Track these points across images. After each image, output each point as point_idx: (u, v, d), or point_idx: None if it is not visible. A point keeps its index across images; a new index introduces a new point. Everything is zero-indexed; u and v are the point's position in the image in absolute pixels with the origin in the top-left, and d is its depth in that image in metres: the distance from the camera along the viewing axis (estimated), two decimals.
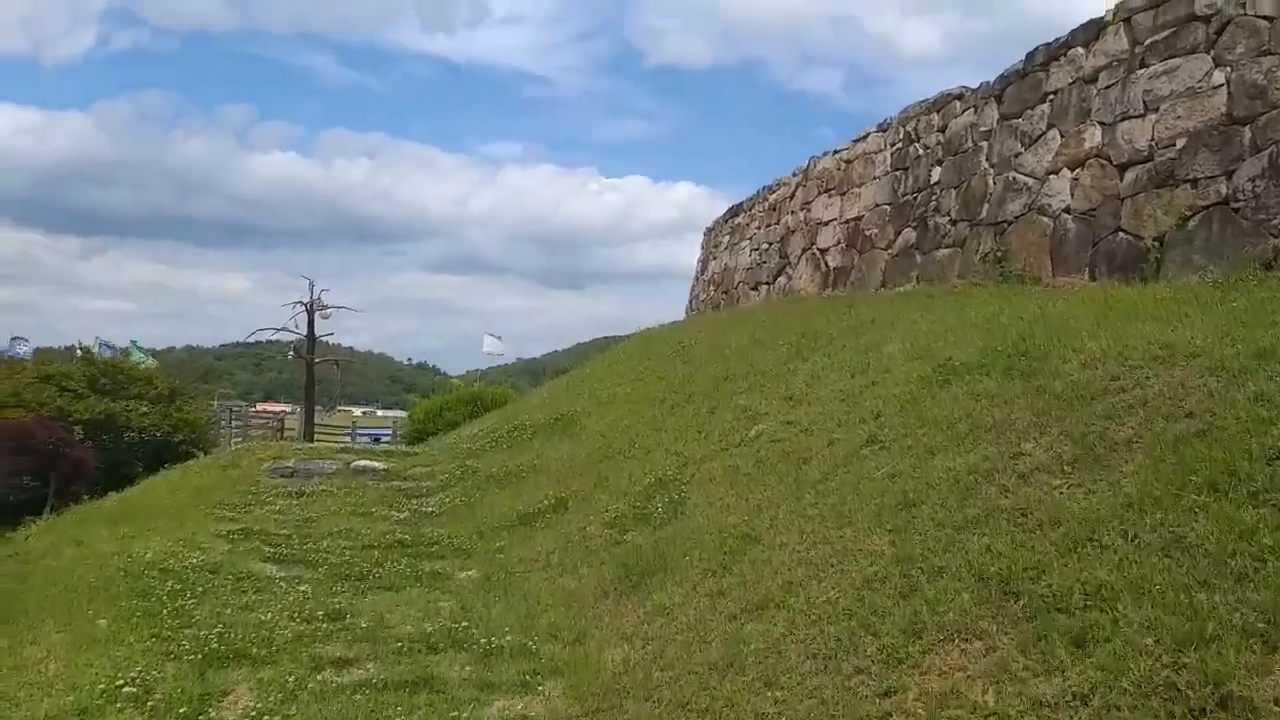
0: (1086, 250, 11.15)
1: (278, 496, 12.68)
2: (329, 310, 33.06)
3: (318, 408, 52.14)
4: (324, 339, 35.89)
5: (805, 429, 8.10)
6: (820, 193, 19.17)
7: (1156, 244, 10.02)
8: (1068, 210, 11.61)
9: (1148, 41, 10.79)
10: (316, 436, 36.17)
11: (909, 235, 15.37)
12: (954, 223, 14.14)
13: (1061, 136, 12.02)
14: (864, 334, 10.23)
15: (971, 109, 14.32)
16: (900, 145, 16.23)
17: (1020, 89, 13.11)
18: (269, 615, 6.59)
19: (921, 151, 15.54)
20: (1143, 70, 10.81)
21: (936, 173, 14.95)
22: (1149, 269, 10.16)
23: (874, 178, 16.98)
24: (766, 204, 22.50)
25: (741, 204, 24.94)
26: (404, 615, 6.86)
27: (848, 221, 17.68)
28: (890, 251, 15.89)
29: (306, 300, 33.78)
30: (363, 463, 14.63)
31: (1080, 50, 11.99)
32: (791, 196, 20.81)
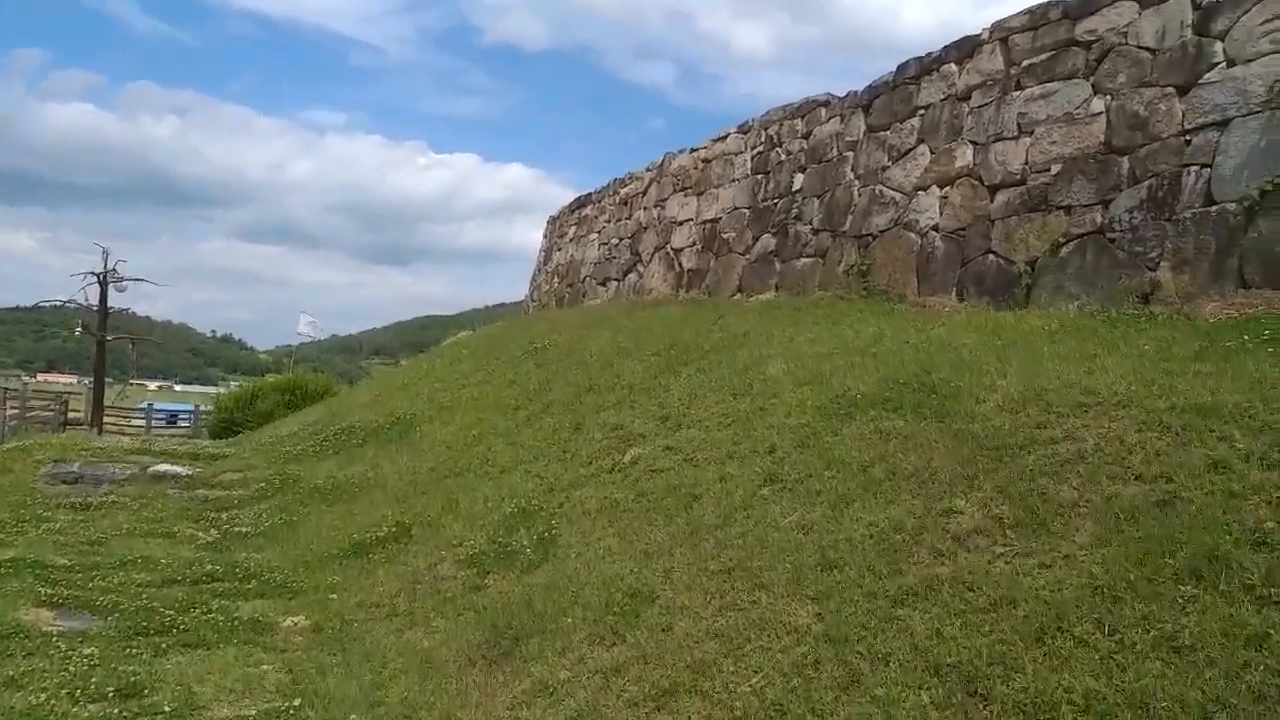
0: (954, 270, 11.02)
1: (59, 510, 10.81)
2: (125, 283, 29.86)
3: (109, 380, 47.47)
4: (117, 310, 32.44)
5: (689, 457, 7.36)
6: (676, 191, 18.61)
7: (1029, 269, 9.95)
8: (936, 228, 11.46)
9: (1025, 63, 10.72)
10: (106, 418, 32.69)
11: (768, 242, 15.00)
12: (816, 232, 13.85)
13: (932, 153, 11.87)
14: (739, 349, 9.62)
15: (838, 118, 14.06)
16: (762, 149, 15.84)
17: (890, 101, 12.91)
18: (42, 696, 5.17)
19: (784, 157, 15.19)
20: (1019, 92, 10.73)
21: (799, 180, 14.63)
22: (1019, 294, 10.08)
23: (733, 180, 16.54)
24: (617, 198, 21.77)
25: (590, 195, 24.11)
26: (218, 687, 5.60)
27: (705, 223, 17.18)
28: (748, 257, 15.49)
29: (100, 270, 30.40)
30: (162, 466, 12.82)
31: (953, 67, 11.86)
32: (644, 193, 20.17)
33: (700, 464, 7.12)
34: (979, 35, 11.55)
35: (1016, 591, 4.24)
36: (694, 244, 17.45)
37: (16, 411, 31.72)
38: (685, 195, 18.16)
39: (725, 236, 16.29)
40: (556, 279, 25.44)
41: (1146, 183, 8.80)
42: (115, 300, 31.97)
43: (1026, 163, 10.39)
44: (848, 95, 14.02)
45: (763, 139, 15.89)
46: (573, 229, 25.01)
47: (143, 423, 36.27)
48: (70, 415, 32.88)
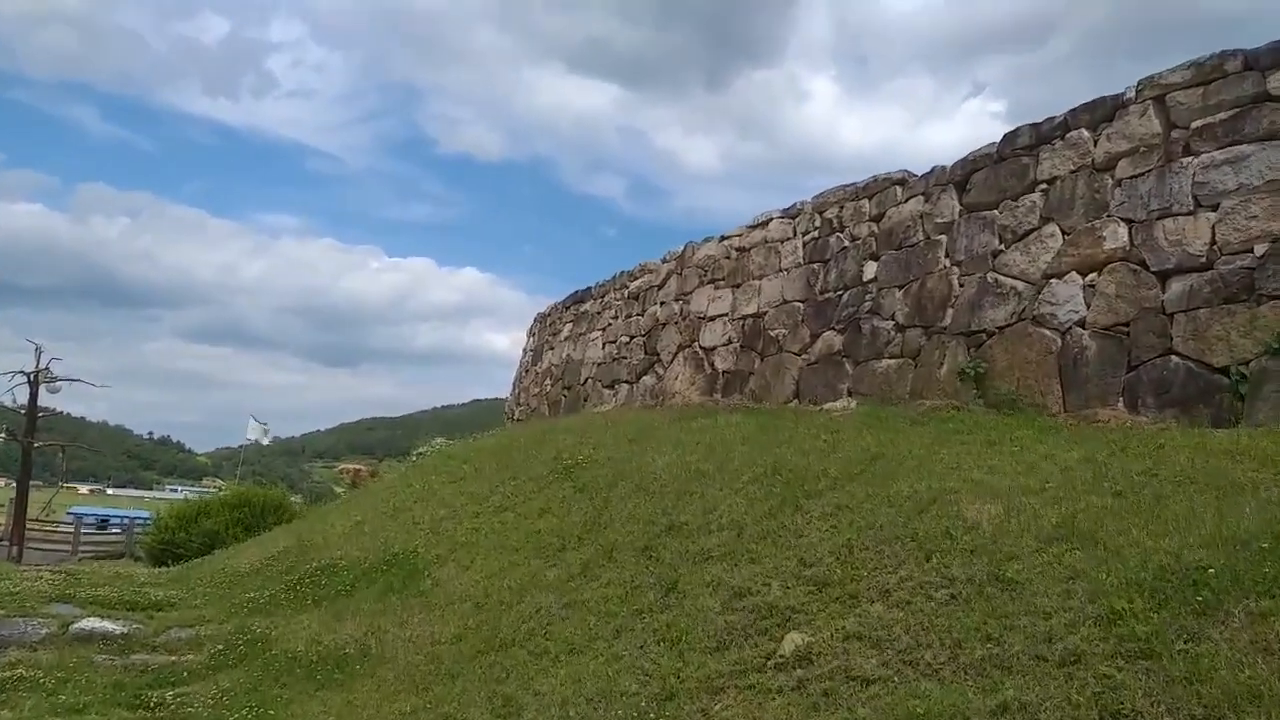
0: (1116, 375, 8.83)
1: None
2: (58, 383, 26.67)
3: (38, 484, 43.29)
4: (46, 412, 29.08)
5: (909, 658, 4.85)
6: (703, 283, 16.44)
7: (1240, 375, 7.79)
8: (1082, 324, 9.32)
9: (1195, 125, 8.79)
10: (29, 535, 28.95)
11: (832, 340, 12.78)
12: (901, 329, 11.66)
13: (1065, 233, 9.83)
14: (886, 479, 7.20)
15: (920, 196, 12.06)
16: (817, 235, 13.78)
17: (995, 176, 10.93)
18: None
19: (848, 242, 13.11)
20: (1190, 159, 8.77)
21: (872, 268, 12.52)
22: (1224, 406, 7.90)
23: (780, 270, 14.41)
24: (626, 292, 19.56)
25: (589, 290, 21.91)
26: None
27: (743, 318, 14.96)
28: (806, 358, 13.23)
29: (30, 370, 27.17)
30: (89, 623, 9.85)
31: (1085, 133, 9.94)
32: (661, 285, 17.99)
33: (939, 676, 4.60)
34: (1122, 95, 9.66)
35: None
36: (729, 342, 15.18)
37: None
38: (716, 288, 15.99)
39: (773, 333, 14.05)
40: (549, 382, 22.96)
41: None
42: (48, 400, 28.69)
43: (1213, 243, 8.35)
44: (932, 171, 12.06)
45: (817, 223, 13.84)
46: (568, 327, 22.69)
47: (70, 531, 32.49)
48: None
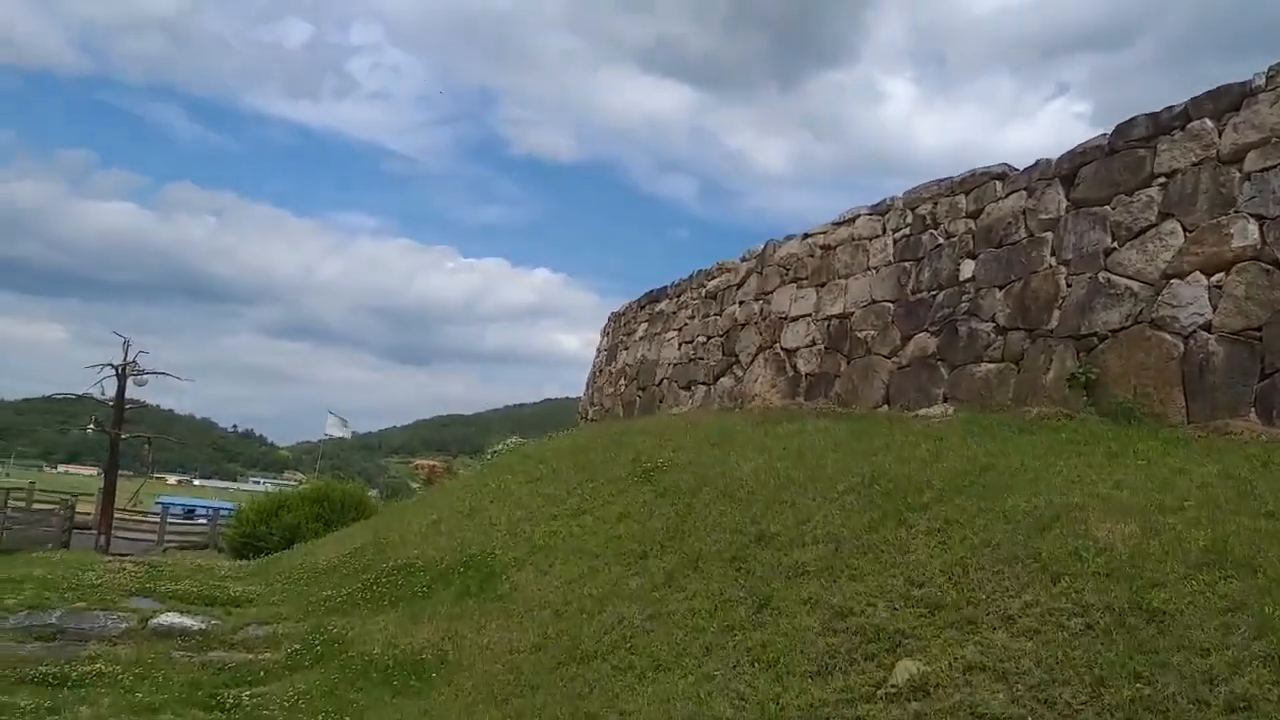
0: (1248, 383, 8.12)
1: (20, 687, 7.87)
2: (145, 376, 27.31)
3: (127, 474, 44.67)
4: (133, 404, 29.86)
5: (1040, 695, 4.37)
6: (785, 282, 15.94)
7: None
8: (1208, 327, 8.62)
9: None
10: (117, 524, 29.78)
11: (926, 342, 12.19)
12: (1003, 331, 11.03)
13: (1187, 231, 9.12)
14: (998, 492, 6.68)
15: (1022, 191, 11.40)
16: (909, 232, 13.18)
17: (1107, 170, 10.24)
18: None
19: (943, 240, 12.50)
20: None
21: (969, 267, 11.89)
22: None
23: (868, 268, 13.84)
24: (703, 291, 19.14)
25: (665, 289, 21.54)
26: None
27: (828, 319, 14.43)
28: (897, 361, 12.66)
29: (119, 363, 27.89)
30: (168, 618, 9.85)
31: (1209, 123, 9.22)
32: (740, 284, 17.52)
33: (1081, 719, 4.11)
34: (1250, 83, 8.93)
35: None
36: (813, 343, 14.66)
37: (21, 514, 28.83)
38: (799, 287, 15.48)
39: (860, 335, 13.50)
40: (624, 381, 22.67)
41: None
42: (135, 393, 29.46)
43: None
44: (1036, 164, 11.40)
45: (908, 220, 13.25)
46: (643, 326, 22.36)
47: (156, 522, 33.40)
48: (78, 519, 30.04)
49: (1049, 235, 10.81)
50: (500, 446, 22.70)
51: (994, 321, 11.19)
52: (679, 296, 20.59)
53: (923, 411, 11.22)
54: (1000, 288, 11.27)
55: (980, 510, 6.44)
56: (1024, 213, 11.26)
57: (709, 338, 18.29)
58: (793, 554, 7.04)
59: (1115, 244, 9.89)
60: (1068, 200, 10.73)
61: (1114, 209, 10.02)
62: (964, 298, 11.77)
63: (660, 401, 19.77)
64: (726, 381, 17.11)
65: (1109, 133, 10.44)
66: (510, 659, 7.54)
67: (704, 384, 17.97)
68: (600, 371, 25.53)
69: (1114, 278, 9.74)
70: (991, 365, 11.03)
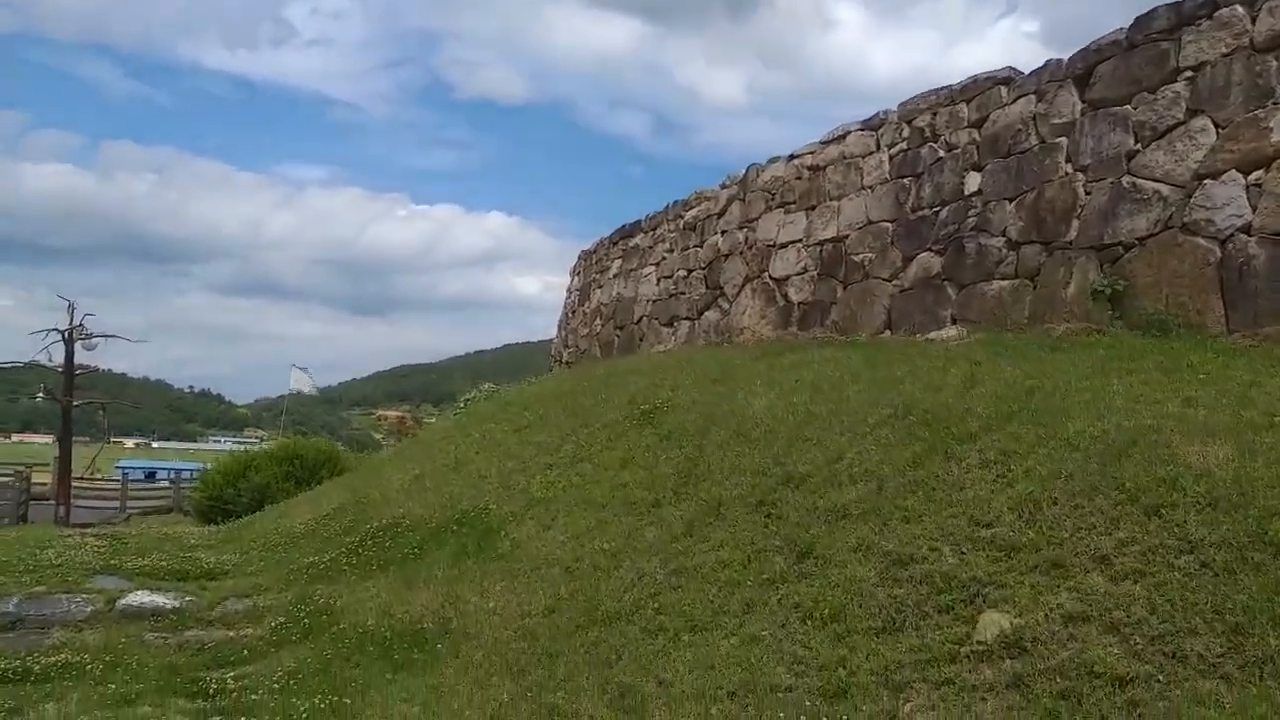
0: None
1: None
2: (94, 340, 26.02)
3: (84, 440, 43.23)
4: (84, 369, 28.53)
5: (1155, 647, 3.80)
6: (770, 208, 15.17)
7: None
8: (1247, 230, 8.03)
9: None
10: (76, 492, 28.65)
11: (929, 262, 11.54)
12: (1015, 245, 10.40)
13: (1220, 127, 8.48)
14: (1054, 417, 6.07)
15: (1030, 95, 10.68)
16: (905, 146, 12.43)
17: (1126, 66, 9.53)
18: None
19: (943, 153, 11.78)
20: None
21: (974, 180, 11.21)
22: None
23: (862, 188, 13.11)
24: (680, 222, 18.32)
25: (639, 223, 20.67)
26: None
27: (820, 244, 13.72)
28: (899, 283, 12.01)
29: (65, 328, 26.51)
30: (138, 598, 9.06)
31: (1239, 10, 8.52)
32: (721, 213, 16.72)
33: (1223, 674, 3.53)
34: None
35: None
36: (804, 270, 13.97)
37: None
38: (786, 212, 14.72)
39: (856, 258, 12.82)
40: (599, 321, 21.89)
41: None
42: (85, 358, 28.12)
43: None
44: (1045, 65, 10.67)
45: (904, 134, 12.49)
46: (617, 263, 21.52)
47: (117, 489, 32.33)
48: (35, 490, 28.86)
49: (1063, 141, 10.12)
50: (473, 394, 21.91)
51: (1005, 236, 10.55)
52: (654, 230, 19.75)
53: (933, 335, 10.62)
54: (1010, 200, 10.61)
55: (1040, 438, 5.82)
56: (1034, 118, 10.55)
57: (690, 271, 17.53)
58: (829, 496, 6.40)
59: (1139, 146, 9.23)
60: (1083, 102, 10.03)
61: (1136, 108, 9.34)
62: (970, 213, 11.10)
63: (641, 340, 19.05)
64: (712, 315, 16.41)
65: (1125, 27, 9.71)
66: (522, 624, 6.88)
67: (687, 319, 17.26)
68: (573, 313, 24.70)
69: (1139, 182, 9.10)
70: (1004, 282, 10.41)
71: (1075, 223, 9.71)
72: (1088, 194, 9.67)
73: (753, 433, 8.11)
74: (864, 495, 6.15)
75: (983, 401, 6.71)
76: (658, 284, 18.89)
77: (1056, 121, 10.23)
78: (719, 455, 8.09)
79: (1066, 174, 9.96)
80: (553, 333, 27.40)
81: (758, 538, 6.42)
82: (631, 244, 20.81)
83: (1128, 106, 9.43)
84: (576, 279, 25.09)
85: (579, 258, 25.25)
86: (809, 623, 5.17)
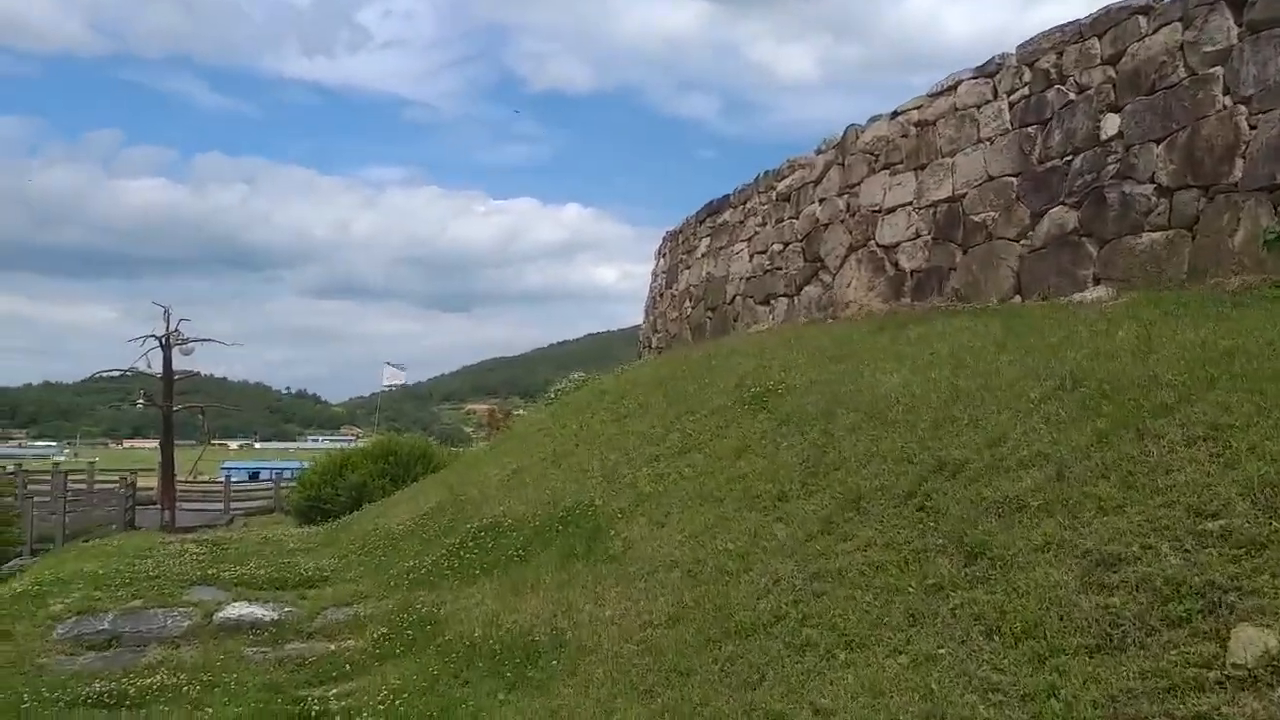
0: None
1: (71, 712, 6.72)
2: (190, 345, 26.38)
3: (188, 444, 44.51)
4: (184, 375, 29.03)
5: None
6: (873, 171, 14.15)
7: None
8: None
9: None
10: (181, 495, 29.28)
11: (1064, 217, 10.44)
12: (1167, 193, 9.25)
13: None
14: (1270, 384, 5.08)
15: (1176, 24, 9.48)
16: (1027, 92, 11.30)
17: None
18: None
19: (1073, 95, 10.63)
20: None
21: (1113, 122, 10.05)
22: None
23: (979, 141, 12.01)
24: (773, 194, 17.39)
25: (727, 198, 19.78)
26: None
27: (933, 205, 12.67)
28: (1028, 243, 10.94)
29: (161, 334, 26.94)
30: (236, 609, 8.71)
31: None
32: (818, 181, 15.74)
33: None
34: None
35: None
36: (916, 235, 12.94)
37: (82, 496, 28.34)
38: (892, 174, 13.69)
39: (977, 218, 11.76)
40: (689, 304, 21.11)
41: None
42: (184, 363, 28.61)
43: None
44: None
45: (1025, 78, 11.36)
46: (705, 242, 20.69)
47: (221, 491, 33.07)
48: (141, 495, 29.56)
49: (1218, 70, 8.92)
50: (564, 384, 21.38)
51: (1154, 182, 9.40)
52: (744, 204, 18.84)
53: (1077, 297, 9.55)
54: (1158, 141, 9.44)
55: (1259, 409, 4.85)
56: (1181, 48, 9.36)
57: (786, 244, 16.61)
58: (996, 485, 5.53)
59: None
60: (1239, 25, 8.82)
61: None
62: (1110, 159, 9.97)
63: (735, 320, 18.21)
64: (812, 290, 15.47)
65: None
66: (644, 636, 6.20)
67: (785, 296, 16.35)
68: (660, 296, 23.97)
69: None
70: (1156, 234, 9.28)
71: (1239, 162, 8.53)
72: (1253, 128, 8.47)
73: (888, 414, 7.24)
74: (1041, 483, 5.26)
75: (1170, 368, 5.73)
76: (750, 260, 18.00)
77: (1209, 50, 9.03)
78: (850, 441, 7.25)
79: (1225, 107, 8.77)
80: (633, 320, 26.80)
81: (913, 535, 5.59)
82: (720, 221, 19.95)
83: None
84: (662, 261, 24.35)
85: (664, 239, 24.51)
86: (996, 639, 4.34)
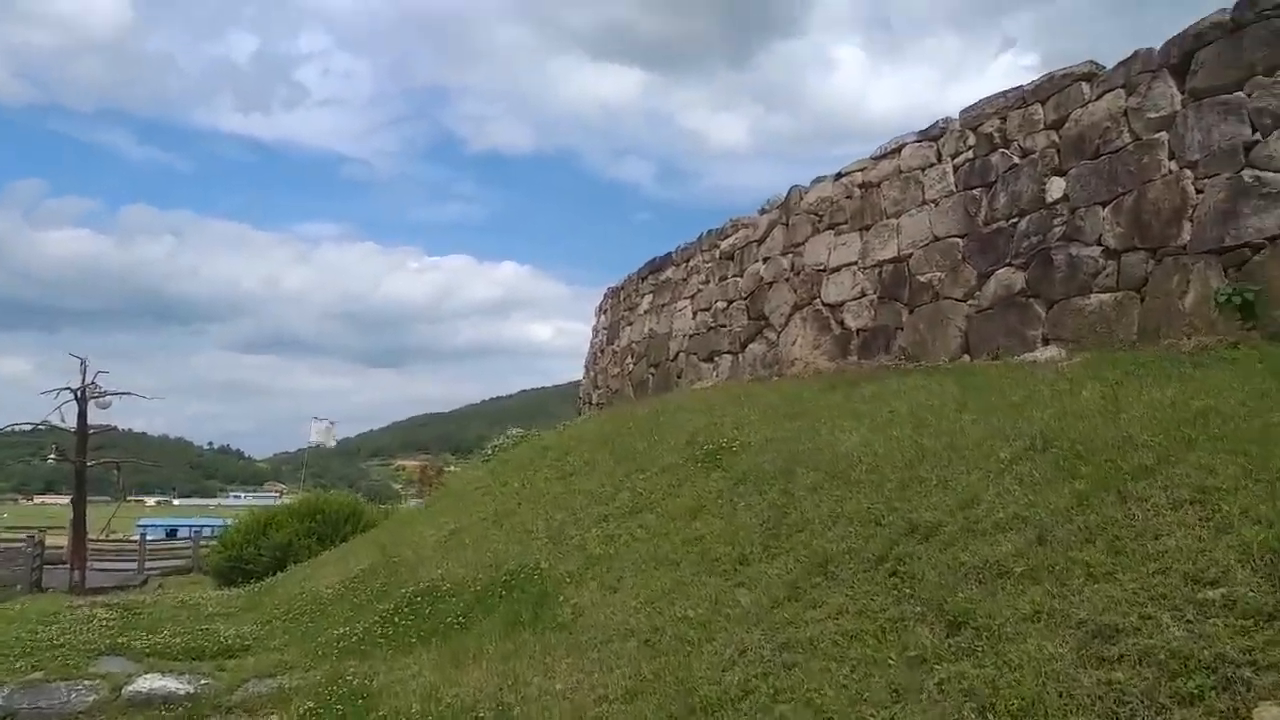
0: None
1: None
2: (108, 398, 25.14)
3: (103, 500, 42.32)
4: (99, 429, 27.59)
5: None
6: (818, 230, 14.19)
7: None
8: None
9: None
10: (93, 554, 27.65)
11: (1011, 278, 10.50)
12: (1114, 254, 9.35)
13: None
14: (1254, 446, 4.98)
15: (1117, 90, 9.69)
16: (971, 155, 11.45)
17: (1233, 50, 8.53)
18: None
19: (1018, 159, 10.78)
20: None
21: (1058, 185, 10.19)
22: None
23: (924, 203, 12.11)
24: (716, 252, 17.38)
25: (669, 256, 19.74)
26: None
27: (877, 265, 12.70)
28: (975, 303, 10.96)
29: (77, 387, 25.64)
30: (146, 682, 7.97)
31: None
32: (762, 240, 15.76)
33: None
34: None
35: None
36: (862, 294, 12.93)
37: None
38: (837, 234, 13.74)
39: (923, 279, 11.79)
40: (631, 360, 20.89)
41: None
42: (101, 417, 27.24)
43: None
44: (1133, 56, 9.69)
45: (970, 142, 11.52)
46: (648, 298, 20.57)
47: (135, 549, 31.32)
48: (51, 554, 27.79)
49: (1163, 136, 9.11)
50: (502, 440, 20.83)
51: (1101, 244, 9.50)
52: (687, 262, 18.80)
53: (1029, 357, 9.53)
54: (1104, 204, 9.57)
55: (1245, 471, 4.72)
56: (1125, 114, 9.55)
57: (730, 302, 16.53)
58: (973, 549, 5.30)
59: (1258, 136, 8.20)
60: (1183, 93, 9.04)
61: (1251, 95, 8.32)
62: (1056, 221, 10.07)
63: (679, 377, 18.00)
64: (757, 347, 15.36)
65: (1228, 8, 8.73)
66: (600, 712, 5.75)
67: (729, 353, 16.22)
68: (601, 352, 23.71)
69: (1264, 174, 8.05)
70: (1105, 295, 9.34)
71: (1188, 225, 8.66)
72: (1199, 192, 8.62)
73: (851, 473, 7.01)
74: (1022, 548, 5.04)
75: (1144, 428, 5.61)
76: (694, 317, 17.89)
77: (1153, 116, 9.22)
78: (813, 501, 6.99)
79: (1171, 172, 8.93)
80: (569, 376, 26.56)
81: (888, 603, 5.30)
82: (663, 278, 19.87)
83: (1240, 93, 8.41)
84: (604, 317, 24.15)
85: (605, 295, 24.35)
86: (991, 717, 4.05)
